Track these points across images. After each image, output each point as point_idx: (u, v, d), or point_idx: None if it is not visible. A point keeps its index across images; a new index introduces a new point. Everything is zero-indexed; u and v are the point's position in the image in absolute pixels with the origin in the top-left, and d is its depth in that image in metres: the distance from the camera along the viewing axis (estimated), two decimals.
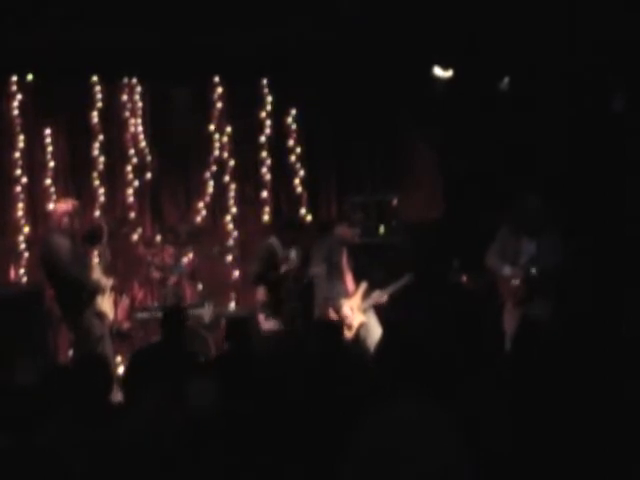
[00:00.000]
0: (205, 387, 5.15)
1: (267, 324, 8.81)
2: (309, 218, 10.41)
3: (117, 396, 6.11)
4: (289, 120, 10.51)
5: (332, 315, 8.54)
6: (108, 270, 8.45)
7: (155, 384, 5.03)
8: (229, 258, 10.20)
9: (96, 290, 8.13)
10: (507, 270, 8.03)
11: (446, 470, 3.55)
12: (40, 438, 4.32)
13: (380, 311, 8.83)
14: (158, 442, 4.43)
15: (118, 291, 9.14)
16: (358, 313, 8.68)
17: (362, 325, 8.67)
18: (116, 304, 8.90)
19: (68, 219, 8.15)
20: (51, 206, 9.39)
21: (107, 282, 8.31)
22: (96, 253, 8.29)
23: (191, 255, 9.83)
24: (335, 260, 8.75)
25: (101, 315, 8.21)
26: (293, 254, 8.89)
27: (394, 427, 3.67)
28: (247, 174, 10.48)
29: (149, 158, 10.09)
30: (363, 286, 8.77)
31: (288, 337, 7.77)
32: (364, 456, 3.66)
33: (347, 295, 8.73)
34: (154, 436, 4.46)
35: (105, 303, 8.27)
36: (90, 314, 8.09)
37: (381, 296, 8.80)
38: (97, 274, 8.22)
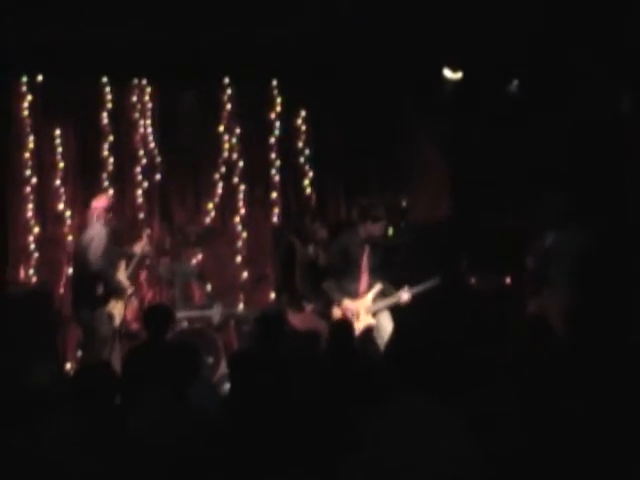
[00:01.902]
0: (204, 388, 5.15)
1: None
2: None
3: None
4: (298, 121, 10.52)
5: (335, 314, 8.45)
6: (132, 278, 8.76)
7: (151, 384, 5.03)
8: (238, 259, 10.22)
9: (116, 290, 8.30)
10: (530, 261, 8.57)
11: (456, 470, 3.55)
12: (41, 437, 4.32)
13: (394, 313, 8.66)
14: (162, 443, 4.43)
15: None
16: (365, 315, 8.48)
17: (369, 328, 8.49)
18: (125, 305, 8.93)
19: (109, 214, 8.46)
20: (93, 203, 9.40)
21: (128, 287, 8.51)
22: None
23: (200, 256, 9.87)
24: (355, 258, 8.57)
25: (110, 317, 8.28)
26: (311, 249, 8.82)
27: (404, 427, 3.67)
28: (256, 175, 10.47)
29: (158, 159, 10.09)
30: (377, 287, 8.55)
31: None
32: (373, 456, 3.66)
33: (356, 296, 8.56)
34: (157, 437, 4.46)
35: (117, 307, 8.40)
36: (101, 314, 8.18)
37: (404, 296, 8.55)
38: (121, 276, 8.39)
